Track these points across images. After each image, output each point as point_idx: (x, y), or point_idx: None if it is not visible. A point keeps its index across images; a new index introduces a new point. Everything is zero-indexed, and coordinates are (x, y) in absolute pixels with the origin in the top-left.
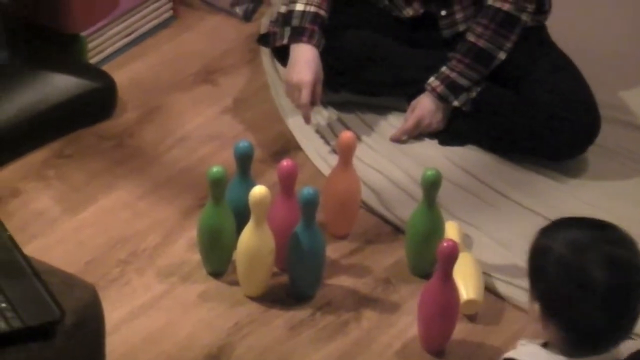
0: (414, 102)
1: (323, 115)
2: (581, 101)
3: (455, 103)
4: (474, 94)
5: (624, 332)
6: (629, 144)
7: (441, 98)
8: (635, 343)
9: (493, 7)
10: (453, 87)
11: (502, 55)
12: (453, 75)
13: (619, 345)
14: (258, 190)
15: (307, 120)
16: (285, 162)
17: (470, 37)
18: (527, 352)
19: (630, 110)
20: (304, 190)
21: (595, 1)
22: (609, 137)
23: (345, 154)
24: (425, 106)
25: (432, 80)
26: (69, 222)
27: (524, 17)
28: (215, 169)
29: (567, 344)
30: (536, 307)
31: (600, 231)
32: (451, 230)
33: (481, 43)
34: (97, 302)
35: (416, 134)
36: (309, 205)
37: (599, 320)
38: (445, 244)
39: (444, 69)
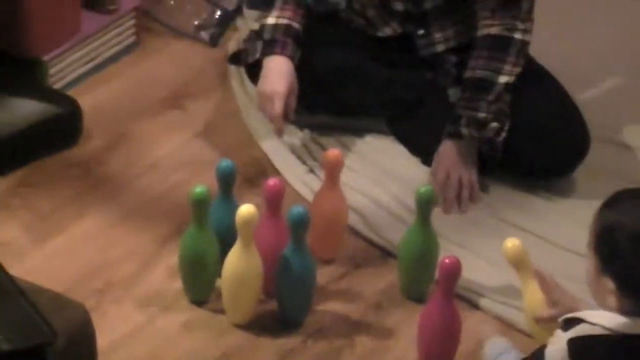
0: (435, 156)
1: (298, 136)
2: (571, 120)
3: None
4: (503, 134)
5: None
6: (616, 163)
7: (462, 136)
8: None
9: (481, 35)
10: (471, 122)
11: (502, 79)
12: (463, 112)
13: None
14: (245, 209)
15: (279, 133)
16: (272, 181)
17: (467, 73)
18: (594, 313)
19: (617, 129)
20: (294, 209)
21: (578, 21)
22: (596, 156)
23: (332, 173)
24: (447, 153)
25: (447, 128)
26: (39, 252)
27: (518, 35)
28: (198, 189)
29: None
30: (609, 283)
31: None
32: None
33: (477, 73)
34: (88, 323)
35: (453, 193)
36: (299, 226)
37: None
38: (447, 260)
39: (454, 113)
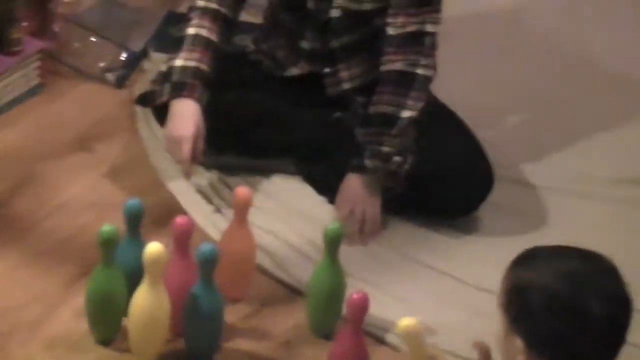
0: (339, 190)
1: (205, 176)
2: (476, 159)
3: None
4: (406, 167)
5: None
6: (519, 201)
7: (366, 169)
8: None
9: (384, 70)
10: (375, 155)
11: (406, 114)
12: (367, 145)
13: None
14: (153, 248)
15: (188, 176)
16: (179, 219)
17: (371, 109)
18: None
19: (520, 168)
20: (202, 246)
21: (479, 59)
22: (500, 194)
23: (241, 211)
24: (351, 187)
25: (352, 161)
26: None
27: (421, 71)
28: (106, 228)
29: None
30: (519, 344)
31: (588, 262)
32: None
33: (381, 108)
34: None
35: (356, 227)
36: (208, 262)
37: (596, 352)
38: (355, 296)
39: (359, 147)
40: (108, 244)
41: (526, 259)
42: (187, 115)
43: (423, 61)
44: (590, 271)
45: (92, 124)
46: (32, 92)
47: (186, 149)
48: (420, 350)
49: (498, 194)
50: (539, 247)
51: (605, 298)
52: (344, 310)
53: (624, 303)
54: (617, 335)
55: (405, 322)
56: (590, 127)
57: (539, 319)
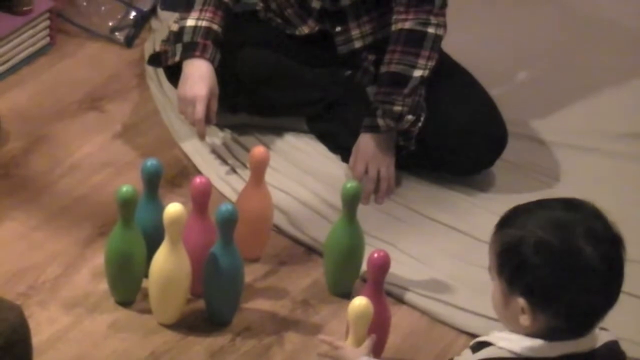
0: (353, 149)
1: (219, 135)
2: (488, 116)
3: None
4: (419, 125)
5: (614, 304)
6: (531, 157)
7: (379, 128)
8: (608, 334)
9: (395, 30)
10: (387, 114)
11: (417, 73)
12: (380, 105)
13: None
14: (173, 208)
15: (202, 136)
16: (199, 179)
17: (382, 68)
18: (502, 336)
19: (532, 124)
20: (222, 207)
21: (490, 17)
22: (513, 151)
23: (258, 171)
24: (365, 146)
25: (364, 121)
26: None
27: (432, 30)
28: (125, 189)
29: (558, 331)
30: (521, 302)
31: (572, 209)
32: None
33: (392, 68)
34: (24, 324)
35: (371, 186)
36: (228, 223)
37: (597, 298)
38: (376, 255)
39: (371, 106)
40: (127, 204)
41: (510, 219)
42: (200, 75)
43: (433, 20)
44: (576, 217)
45: (102, 83)
46: (41, 52)
47: (200, 109)
48: (363, 332)
49: (510, 151)
50: (519, 205)
51: (595, 239)
52: (364, 269)
53: (614, 242)
54: (613, 276)
55: (358, 302)
56: (599, 82)
57: (536, 272)
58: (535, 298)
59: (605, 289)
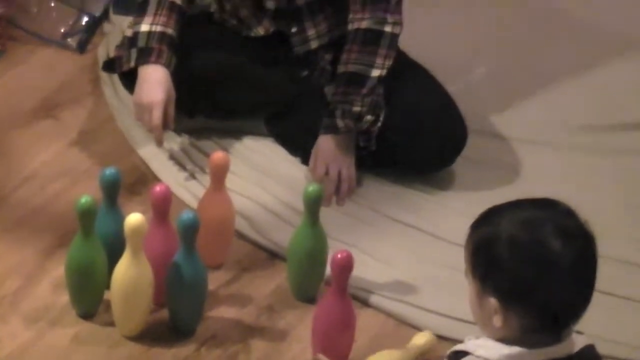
0: (313, 151)
1: (176, 141)
2: (447, 113)
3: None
4: (378, 124)
5: (588, 303)
6: (492, 153)
7: (339, 130)
8: (583, 338)
9: (352, 29)
10: (346, 115)
11: (375, 73)
12: (339, 105)
13: (577, 322)
14: (134, 218)
15: (160, 143)
16: (159, 187)
17: (340, 68)
18: (479, 344)
19: (490, 121)
20: (183, 214)
21: (446, 12)
22: (473, 147)
23: (218, 176)
24: (325, 148)
25: (323, 122)
26: None
27: (388, 28)
28: (84, 199)
29: (530, 333)
30: (493, 302)
31: (543, 207)
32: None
33: (350, 67)
34: None
35: (332, 187)
36: (190, 231)
37: (567, 294)
38: (339, 255)
39: (329, 107)
40: (87, 215)
41: (483, 219)
42: (156, 80)
43: (390, 18)
44: (547, 214)
45: (56, 90)
46: None
47: (157, 115)
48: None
49: (470, 147)
50: (493, 207)
51: (565, 235)
52: (328, 272)
53: (584, 238)
54: (585, 272)
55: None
56: (557, 76)
57: (505, 269)
58: (506, 295)
59: (576, 285)
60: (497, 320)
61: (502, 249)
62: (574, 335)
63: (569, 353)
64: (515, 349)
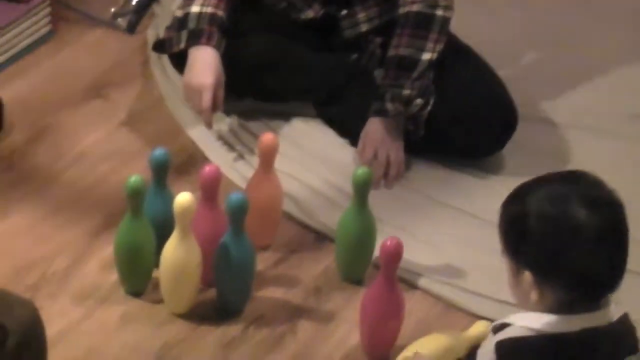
0: (362, 134)
1: (225, 122)
2: (498, 98)
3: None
4: (428, 108)
5: (621, 272)
6: (543, 140)
7: (388, 113)
8: (618, 307)
9: (403, 12)
10: (396, 99)
11: (426, 56)
12: (388, 89)
13: (614, 291)
14: (183, 198)
15: (209, 125)
16: (208, 168)
17: (390, 52)
18: (521, 316)
19: (541, 106)
20: (232, 195)
21: (494, 2)
22: (523, 133)
23: (267, 158)
24: (374, 131)
25: (373, 105)
26: None
27: (440, 12)
28: (133, 179)
29: (566, 305)
30: (527, 276)
31: (570, 180)
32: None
33: (400, 51)
34: (38, 320)
35: (381, 171)
36: (238, 213)
37: (598, 263)
38: (389, 242)
39: (379, 90)
40: (136, 195)
41: (513, 198)
42: (206, 63)
43: (442, 2)
44: (573, 186)
45: (106, 71)
46: (42, 41)
47: (207, 98)
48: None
49: (520, 133)
50: (522, 184)
51: (590, 204)
52: (376, 254)
53: (610, 206)
54: (614, 240)
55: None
56: (608, 62)
57: (535, 242)
58: (539, 268)
59: (605, 252)
60: (534, 296)
61: (530, 223)
62: (613, 305)
63: (610, 321)
64: (555, 317)
